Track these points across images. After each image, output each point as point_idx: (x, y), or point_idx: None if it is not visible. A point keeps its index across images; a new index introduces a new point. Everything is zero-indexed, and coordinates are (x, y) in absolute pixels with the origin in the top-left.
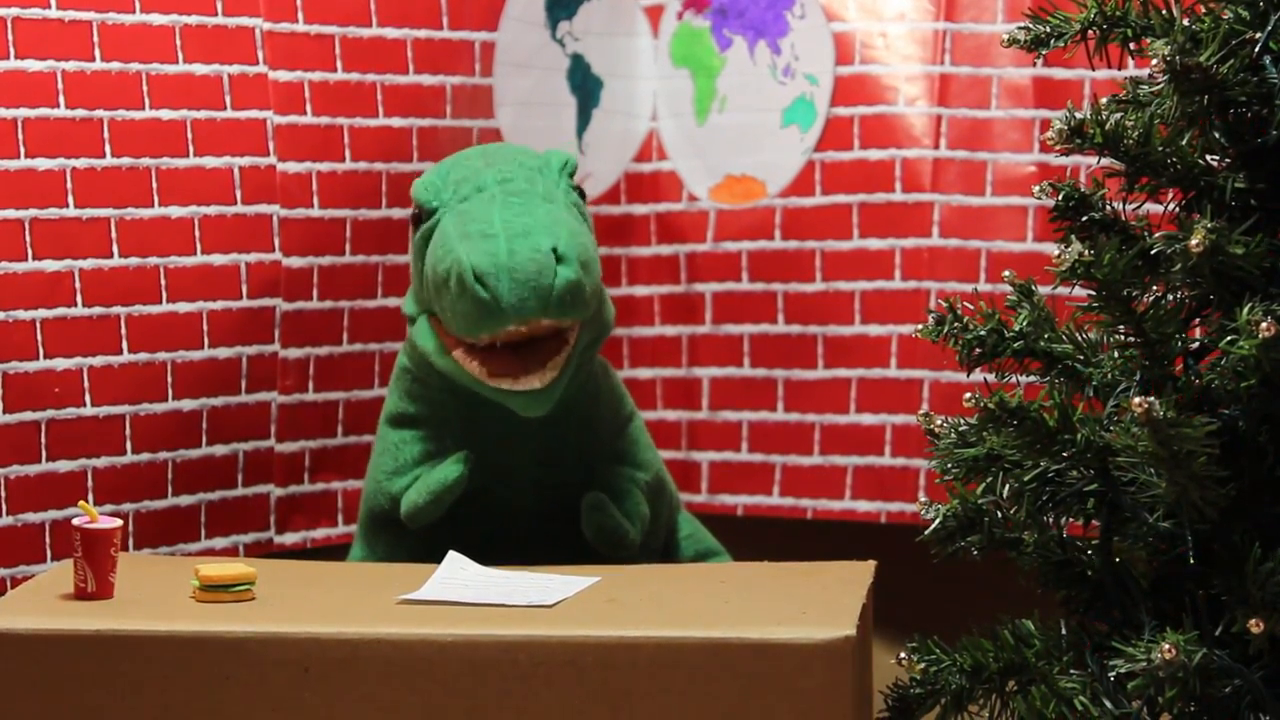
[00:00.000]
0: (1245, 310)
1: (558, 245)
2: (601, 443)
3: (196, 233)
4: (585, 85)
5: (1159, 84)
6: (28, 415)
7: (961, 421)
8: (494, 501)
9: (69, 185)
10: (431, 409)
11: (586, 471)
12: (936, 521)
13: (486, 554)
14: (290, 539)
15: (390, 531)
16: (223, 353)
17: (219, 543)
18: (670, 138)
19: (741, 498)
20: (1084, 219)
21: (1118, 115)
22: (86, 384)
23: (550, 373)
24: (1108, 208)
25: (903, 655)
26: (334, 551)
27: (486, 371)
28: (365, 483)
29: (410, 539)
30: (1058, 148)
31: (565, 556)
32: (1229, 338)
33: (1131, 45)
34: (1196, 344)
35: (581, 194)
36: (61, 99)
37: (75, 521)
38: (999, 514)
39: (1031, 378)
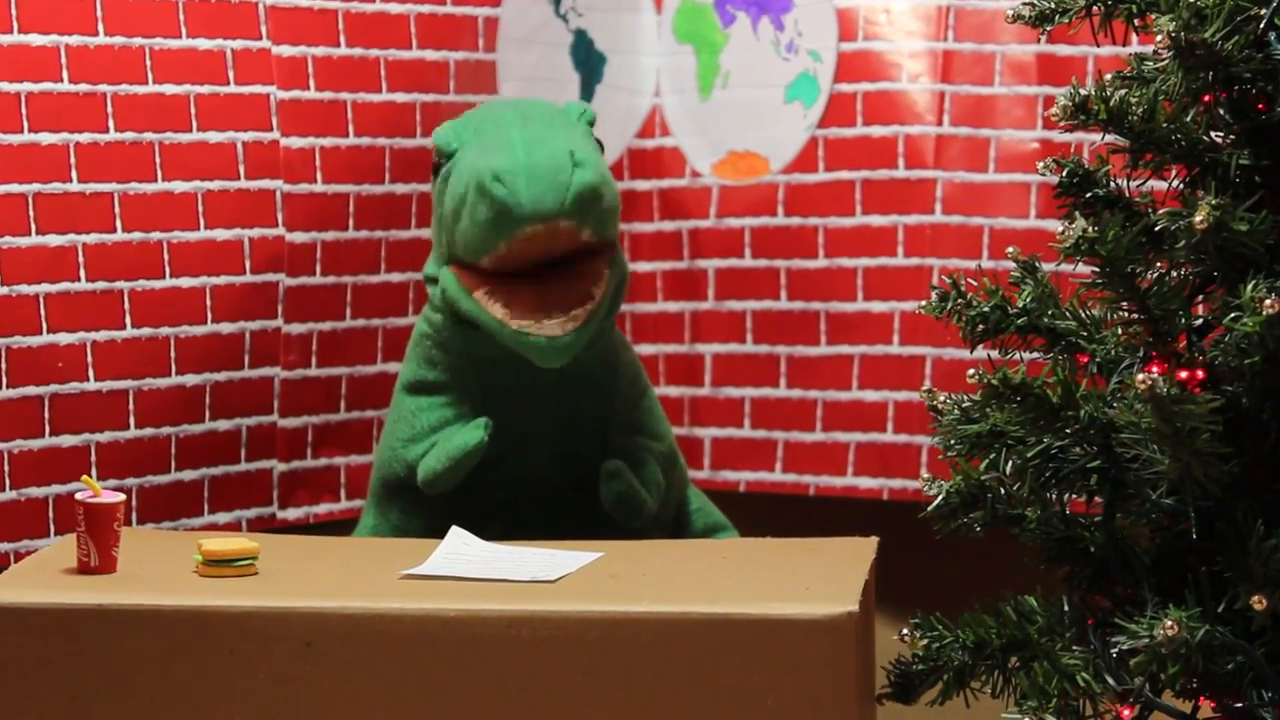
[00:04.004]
0: (1249, 287)
1: (575, 151)
2: (618, 414)
3: (200, 208)
4: (588, 61)
5: (1163, 60)
6: (31, 390)
7: (964, 398)
8: (509, 470)
9: (72, 160)
10: (451, 375)
11: (602, 441)
12: (939, 498)
13: (501, 523)
14: (293, 514)
15: (404, 499)
16: (226, 328)
17: (222, 517)
18: (673, 114)
19: (744, 474)
20: (1088, 195)
21: (1122, 92)
22: (90, 359)
23: (573, 322)
24: (1112, 184)
25: (905, 631)
26: (337, 526)
27: (509, 313)
28: (379, 451)
29: (425, 507)
30: (1062, 124)
31: (579, 525)
32: (1233, 314)
33: (1136, 21)
34: (1200, 321)
35: (600, 146)
36: (65, 73)
37: (78, 496)
38: (1002, 490)
39: (1035, 354)
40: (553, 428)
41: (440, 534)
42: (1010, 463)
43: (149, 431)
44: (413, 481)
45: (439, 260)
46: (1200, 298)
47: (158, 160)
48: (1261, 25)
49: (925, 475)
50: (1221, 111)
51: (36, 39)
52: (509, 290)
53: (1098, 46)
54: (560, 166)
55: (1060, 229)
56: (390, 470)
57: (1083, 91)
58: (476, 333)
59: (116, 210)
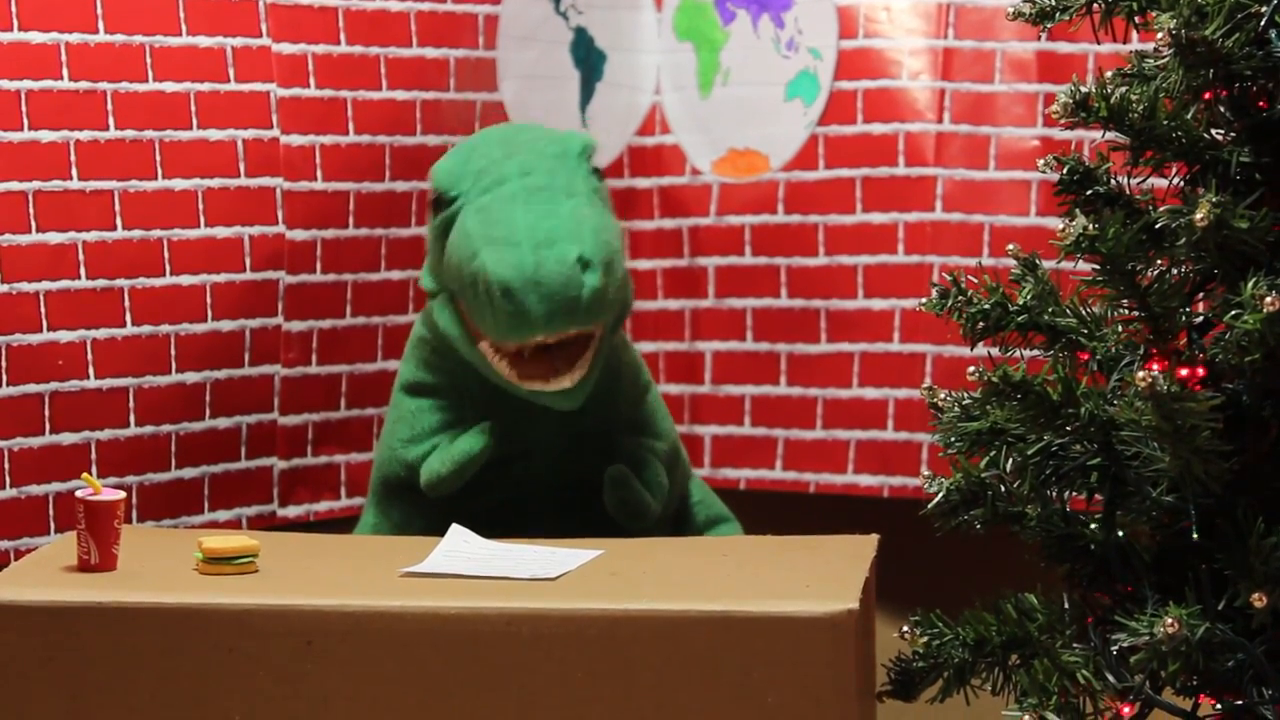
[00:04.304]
0: (1250, 284)
1: (583, 252)
2: (620, 414)
3: (200, 205)
4: (589, 59)
5: (1164, 58)
6: (31, 387)
7: (965, 395)
8: (511, 471)
9: (72, 157)
10: (449, 379)
11: (605, 442)
12: (939, 495)
13: (503, 522)
14: (293, 512)
15: (405, 498)
16: (226, 325)
17: (222, 515)
18: (673, 111)
19: (744, 471)
20: (1088, 193)
21: (1122, 89)
22: (90, 356)
23: (579, 371)
24: (1112, 182)
25: (905, 629)
26: (337, 524)
27: (517, 374)
28: (378, 450)
29: (426, 505)
30: (1062, 122)
31: (582, 526)
32: (1233, 312)
33: (1136, 19)
34: (1201, 318)
35: (600, 176)
36: (65, 71)
37: (78, 493)
38: (1002, 488)
39: (1035, 352)
40: (555, 430)
41: (441, 533)
42: (1010, 460)
43: (149, 429)
44: (413, 482)
45: (435, 279)
46: (1200, 295)
47: (158, 158)
48: (1262, 23)
49: (926, 473)
50: (1222, 109)
51: (37, 36)
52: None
53: (1098, 44)
54: (570, 280)
55: (1061, 226)
56: (390, 470)
57: (1083, 89)
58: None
59: (117, 208)
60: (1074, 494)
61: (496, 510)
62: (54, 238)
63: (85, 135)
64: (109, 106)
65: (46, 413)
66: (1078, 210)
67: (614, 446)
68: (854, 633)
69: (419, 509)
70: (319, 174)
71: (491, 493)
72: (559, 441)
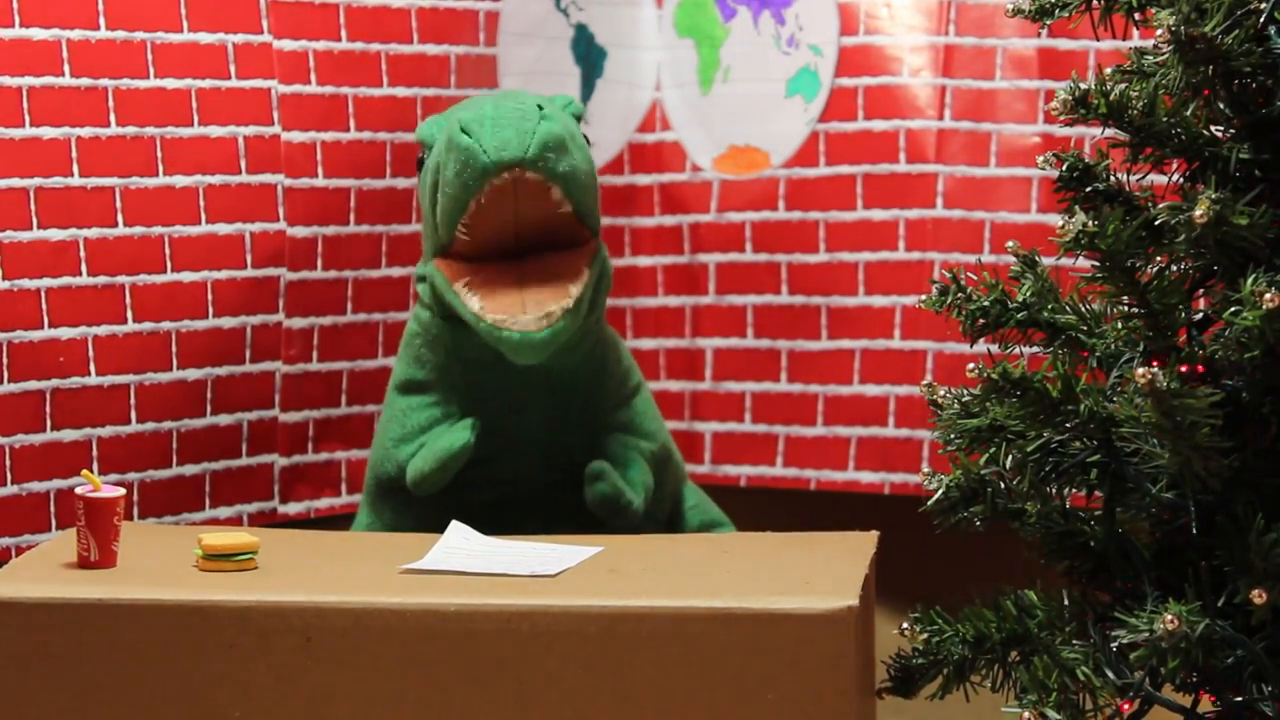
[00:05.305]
0: (1249, 281)
1: (543, 106)
2: (606, 413)
3: (201, 202)
4: (589, 55)
5: (1164, 54)
6: (32, 384)
7: (965, 392)
8: (501, 470)
9: (74, 154)
10: (439, 375)
11: (592, 441)
12: (939, 492)
13: (491, 522)
14: (294, 509)
15: (396, 498)
16: (227, 322)
17: (223, 512)
18: (674, 108)
19: (745, 468)
20: (1088, 190)
21: (1122, 86)
22: (91, 353)
23: (546, 321)
24: (1112, 178)
25: (905, 626)
26: (338, 521)
27: (485, 307)
28: (372, 450)
29: (416, 506)
30: (1062, 118)
31: (570, 525)
32: (1233, 309)
33: (1136, 15)
34: (1200, 315)
35: (585, 139)
36: (66, 68)
37: (79, 490)
38: (1002, 485)
39: (1035, 348)
40: (541, 428)
41: (433, 533)
42: (1010, 457)
43: (150, 426)
44: (404, 481)
45: (428, 257)
46: (1200, 292)
47: (159, 155)
48: (1262, 19)
49: (926, 470)
50: (1222, 105)
51: (38, 33)
52: (488, 283)
53: (1098, 41)
54: (526, 115)
55: (1060, 223)
56: (383, 470)
57: (1083, 86)
58: (461, 331)
59: (118, 205)
60: (1074, 491)
61: (486, 509)
62: (55, 234)
63: (86, 132)
64: (110, 103)
65: (47, 409)
66: (1077, 207)
67: (599, 445)
68: (854, 629)
69: (410, 509)
70: (320, 171)
71: (480, 492)
72: (546, 439)
